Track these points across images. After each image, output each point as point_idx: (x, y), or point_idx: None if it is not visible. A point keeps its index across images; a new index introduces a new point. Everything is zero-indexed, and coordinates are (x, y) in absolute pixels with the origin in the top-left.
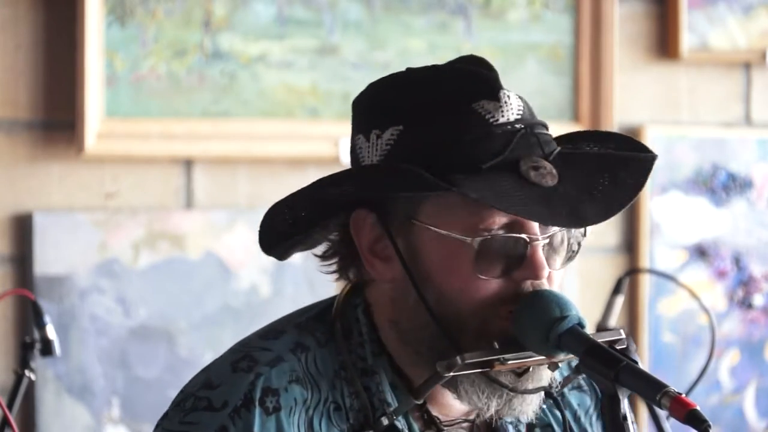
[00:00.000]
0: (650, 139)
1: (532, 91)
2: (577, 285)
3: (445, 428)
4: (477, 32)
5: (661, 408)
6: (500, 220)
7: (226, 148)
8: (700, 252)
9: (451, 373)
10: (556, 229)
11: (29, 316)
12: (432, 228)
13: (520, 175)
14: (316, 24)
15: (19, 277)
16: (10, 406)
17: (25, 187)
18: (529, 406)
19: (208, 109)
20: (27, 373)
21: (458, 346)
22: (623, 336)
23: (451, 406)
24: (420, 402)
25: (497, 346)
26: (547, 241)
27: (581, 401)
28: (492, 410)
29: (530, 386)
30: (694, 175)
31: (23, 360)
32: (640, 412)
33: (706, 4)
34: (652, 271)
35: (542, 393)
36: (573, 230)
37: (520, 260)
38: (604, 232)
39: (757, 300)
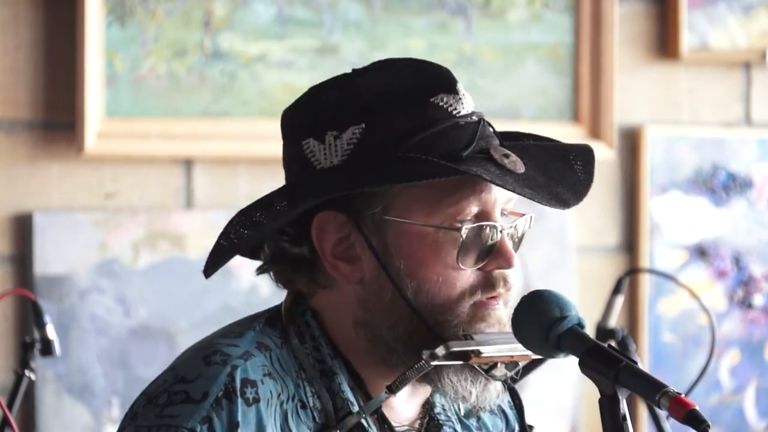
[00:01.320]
0: (650, 139)
1: (532, 91)
2: (577, 285)
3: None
4: (477, 32)
5: (660, 408)
6: (472, 210)
7: (226, 148)
8: (700, 252)
9: (435, 363)
10: (517, 218)
11: (29, 316)
12: (409, 222)
13: (496, 162)
14: (316, 24)
15: (19, 277)
16: (10, 406)
17: (25, 187)
18: (496, 393)
19: (208, 109)
20: (27, 373)
21: (438, 340)
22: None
23: (401, 411)
24: (394, 396)
25: (474, 338)
26: (512, 229)
27: (494, 424)
28: (473, 397)
29: (498, 374)
30: (694, 175)
31: (23, 360)
32: (640, 412)
33: (706, 4)
34: (652, 271)
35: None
36: (523, 220)
37: (490, 249)
38: (604, 232)
39: (757, 300)
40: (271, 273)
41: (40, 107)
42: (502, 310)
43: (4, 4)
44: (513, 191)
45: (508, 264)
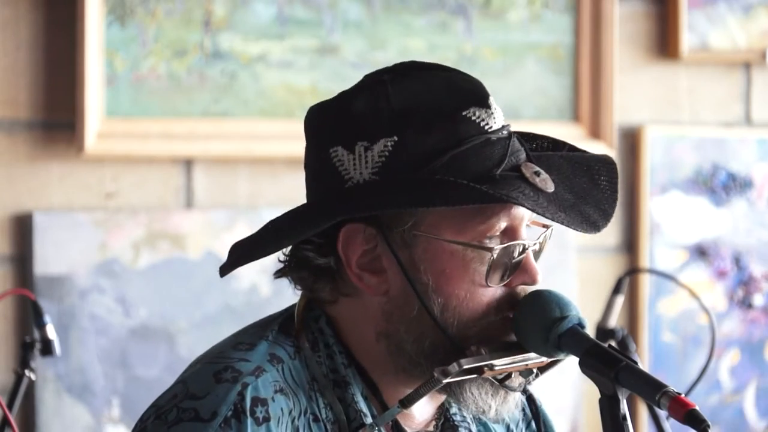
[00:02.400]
0: (650, 139)
1: (532, 91)
2: (577, 285)
3: None
4: (477, 32)
5: (660, 408)
6: (501, 225)
7: (226, 148)
8: (700, 252)
9: (448, 379)
10: (541, 232)
11: (29, 316)
12: (439, 238)
13: (528, 181)
14: (316, 24)
15: (19, 277)
16: (10, 406)
17: (25, 187)
18: (515, 404)
19: (208, 109)
20: (27, 373)
21: (462, 354)
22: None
23: (414, 417)
24: (408, 410)
25: (484, 353)
26: (536, 245)
27: (511, 416)
28: (493, 410)
29: (515, 385)
30: (694, 175)
31: (23, 360)
32: (640, 412)
33: (706, 4)
34: (652, 271)
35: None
36: (547, 233)
37: (516, 266)
38: (604, 232)
39: (757, 300)
40: (291, 278)
41: (40, 107)
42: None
43: (4, 4)
44: (550, 218)
45: (533, 281)
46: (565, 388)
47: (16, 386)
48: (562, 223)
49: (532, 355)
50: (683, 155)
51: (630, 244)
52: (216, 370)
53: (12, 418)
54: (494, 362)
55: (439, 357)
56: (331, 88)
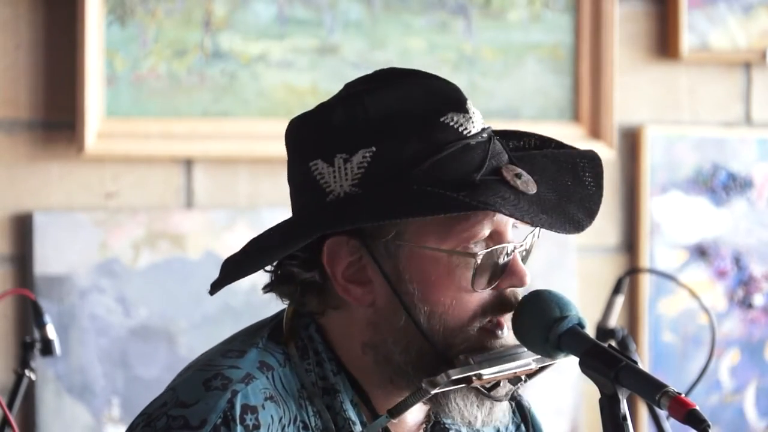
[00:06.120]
0: (650, 139)
1: (532, 91)
2: (577, 285)
3: None
4: (477, 32)
5: (660, 408)
6: (485, 232)
7: (226, 148)
8: (700, 252)
9: (436, 390)
10: (527, 236)
11: (29, 315)
12: (422, 247)
13: (508, 185)
14: (316, 24)
15: (19, 276)
16: (10, 406)
17: (25, 187)
18: (502, 413)
19: (208, 109)
20: (27, 372)
21: (449, 362)
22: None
23: (405, 423)
24: (396, 421)
25: (473, 362)
26: (522, 247)
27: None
28: (479, 421)
29: (501, 394)
30: (694, 174)
31: (23, 360)
32: (640, 412)
33: (706, 4)
34: (652, 271)
35: (507, 403)
36: (533, 234)
37: (503, 269)
38: (604, 232)
39: (757, 300)
40: (278, 293)
41: (40, 107)
42: (505, 339)
43: (4, 4)
44: (530, 223)
45: (521, 282)
46: (565, 388)
47: (16, 386)
48: (543, 227)
49: (521, 362)
50: (683, 155)
51: (630, 244)
52: (206, 378)
53: (12, 418)
54: (482, 371)
55: (426, 367)
56: (331, 88)
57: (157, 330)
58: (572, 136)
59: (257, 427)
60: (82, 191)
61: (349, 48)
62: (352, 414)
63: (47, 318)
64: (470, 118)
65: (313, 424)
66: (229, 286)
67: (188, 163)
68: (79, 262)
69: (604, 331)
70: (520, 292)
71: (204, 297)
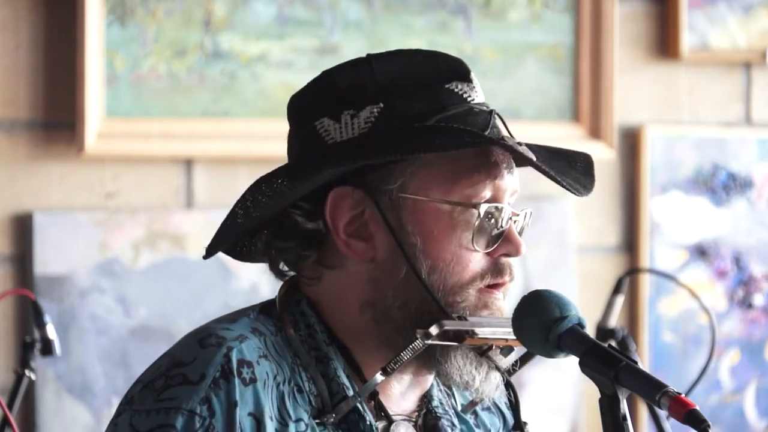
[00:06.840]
0: (650, 139)
1: (532, 91)
2: (577, 285)
3: (394, 421)
4: (477, 32)
5: (660, 408)
6: (486, 194)
7: (226, 148)
8: (701, 252)
9: (429, 342)
10: (522, 213)
11: (29, 315)
12: (426, 199)
13: (511, 149)
14: (316, 24)
15: (19, 276)
16: (10, 406)
17: (25, 187)
18: (496, 384)
19: (208, 109)
20: (27, 372)
21: (447, 317)
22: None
23: (399, 403)
24: (390, 390)
25: (469, 320)
26: (518, 218)
27: (492, 422)
28: (477, 381)
29: (497, 360)
30: (694, 174)
31: (23, 360)
32: (640, 412)
33: (706, 4)
34: (652, 271)
35: (500, 376)
36: (525, 214)
37: (500, 235)
38: (604, 232)
39: (757, 300)
40: (274, 252)
41: (40, 107)
42: (503, 301)
43: (4, 4)
44: (546, 168)
45: (516, 251)
46: (565, 388)
47: (16, 386)
48: (557, 176)
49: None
50: (683, 155)
51: (630, 244)
52: (200, 338)
53: (12, 418)
54: (476, 329)
55: (425, 323)
56: None
57: (157, 330)
58: (572, 136)
59: (254, 380)
60: (82, 191)
61: (349, 48)
62: (345, 380)
63: (47, 318)
64: (474, 87)
65: (307, 389)
66: (228, 286)
67: (188, 163)
68: (79, 262)
69: (604, 331)
70: (514, 266)
71: (204, 297)
